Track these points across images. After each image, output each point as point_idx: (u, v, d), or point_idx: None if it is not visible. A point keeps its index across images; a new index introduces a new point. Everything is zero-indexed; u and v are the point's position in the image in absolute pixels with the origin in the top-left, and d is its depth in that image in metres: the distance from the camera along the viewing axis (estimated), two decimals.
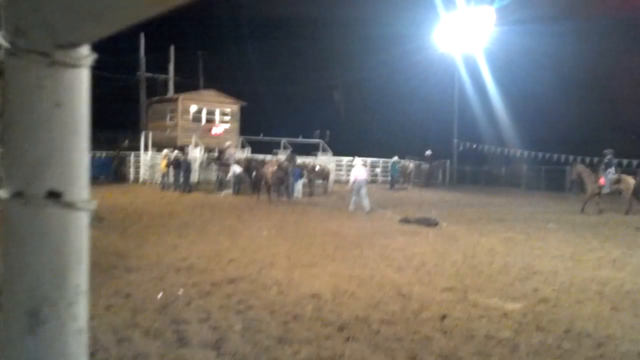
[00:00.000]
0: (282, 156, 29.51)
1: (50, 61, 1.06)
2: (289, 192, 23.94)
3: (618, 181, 21.10)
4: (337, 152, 38.53)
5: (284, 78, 50.46)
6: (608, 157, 21.56)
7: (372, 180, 38.81)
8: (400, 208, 21.32)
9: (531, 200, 27.69)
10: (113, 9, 1.00)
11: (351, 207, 19.59)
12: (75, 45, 1.08)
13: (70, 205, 1.07)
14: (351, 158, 34.56)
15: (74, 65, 1.09)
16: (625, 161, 29.60)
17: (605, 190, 21.04)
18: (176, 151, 29.03)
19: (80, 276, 1.11)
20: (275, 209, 20.35)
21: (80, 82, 1.10)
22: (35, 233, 1.07)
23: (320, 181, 28.71)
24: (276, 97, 48.42)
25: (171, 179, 28.08)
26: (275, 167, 22.85)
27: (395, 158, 36.26)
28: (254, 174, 27.54)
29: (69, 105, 1.09)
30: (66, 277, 1.09)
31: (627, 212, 20.41)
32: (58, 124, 1.08)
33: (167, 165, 28.17)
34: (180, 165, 27.25)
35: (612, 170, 21.27)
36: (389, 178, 36.30)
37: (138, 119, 39.65)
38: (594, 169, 22.64)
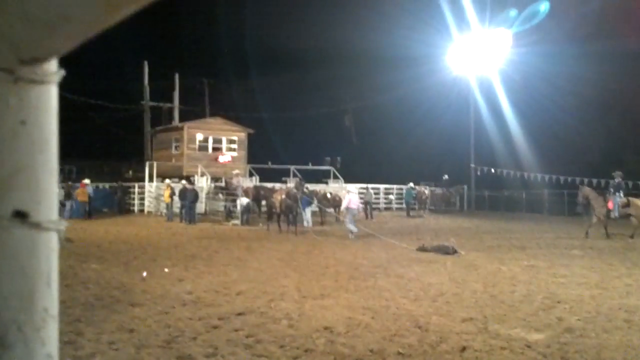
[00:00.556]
0: (291, 184, 29.58)
1: (15, 78, 1.05)
2: (303, 219, 24.08)
3: (627, 204, 20.69)
4: (349, 179, 38.46)
5: (292, 104, 50.66)
6: (617, 179, 21.16)
7: (387, 208, 38.79)
8: (416, 236, 21.26)
9: (554, 226, 27.40)
10: (72, 20, 0.99)
11: (351, 235, 20.44)
12: (39, 60, 1.07)
13: (38, 226, 1.06)
14: (364, 185, 34.56)
15: (41, 82, 1.07)
16: None
17: (614, 215, 20.64)
18: (183, 181, 29.20)
19: (49, 299, 1.08)
20: (285, 238, 20.32)
21: (47, 99, 1.09)
22: (1, 254, 1.05)
23: (331, 209, 28.72)
24: (284, 123, 48.55)
25: (176, 209, 28.19)
26: (284, 196, 22.93)
27: (410, 184, 36.21)
28: (263, 202, 27.62)
29: (35, 123, 1.07)
30: (34, 301, 1.07)
31: (632, 236, 20.12)
32: (24, 143, 1.07)
33: (170, 196, 28.35)
34: (186, 196, 27.41)
35: (620, 193, 20.88)
36: (404, 205, 36.22)
37: (142, 148, 39.95)
38: (604, 191, 22.38)
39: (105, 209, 32.77)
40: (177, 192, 28.35)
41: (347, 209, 21.29)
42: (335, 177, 38.50)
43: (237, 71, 58.98)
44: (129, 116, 40.55)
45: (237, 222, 26.12)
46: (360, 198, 35.85)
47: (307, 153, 40.37)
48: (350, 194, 21.88)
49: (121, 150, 41.10)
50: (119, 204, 33.30)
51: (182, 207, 27.73)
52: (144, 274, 10.44)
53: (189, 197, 27.27)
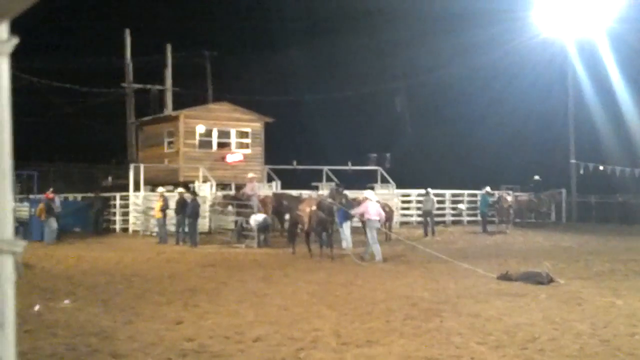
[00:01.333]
0: (324, 192, 29.61)
1: None
2: (340, 239, 24.08)
3: None
4: (401, 184, 38.35)
5: (324, 83, 50.78)
6: None
7: (456, 221, 38.59)
8: (496, 259, 21.10)
9: None
10: None
11: (363, 261, 20.85)
12: None
13: None
14: (423, 191, 34.35)
15: None
16: None
17: None
18: (180, 189, 29.35)
19: (3, 349, 1.07)
20: (317, 264, 20.36)
21: None
22: None
23: (378, 224, 28.55)
24: (314, 109, 48.75)
25: (171, 227, 28.46)
26: (315, 207, 22.89)
27: (487, 189, 35.82)
28: (286, 217, 27.59)
29: None
30: None
31: None
32: None
33: (164, 209, 28.54)
34: (184, 209, 27.60)
35: None
36: (479, 217, 35.95)
37: (125, 146, 40.38)
38: None
39: (78, 228, 33.09)
40: (171, 204, 28.56)
41: (368, 220, 21.85)
42: (384, 181, 38.40)
43: (250, 40, 59.37)
44: (106, 103, 41.30)
45: (253, 243, 26.26)
46: (418, 208, 35.94)
47: (345, 149, 40.56)
48: (368, 201, 22.38)
49: (97, 149, 41.54)
50: (95, 222, 33.46)
51: (178, 224, 27.95)
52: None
53: (188, 210, 27.38)
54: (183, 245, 26.93)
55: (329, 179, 36.48)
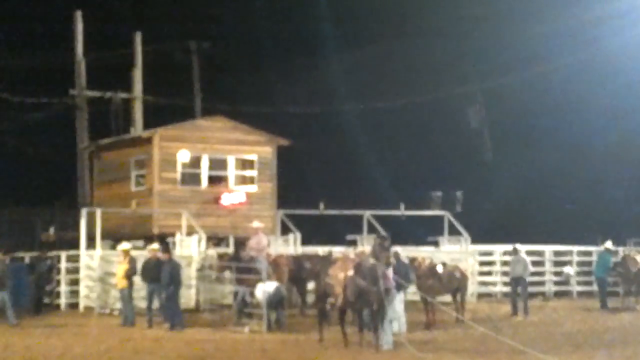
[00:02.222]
0: (365, 248, 29.09)
1: None
2: (387, 319, 23.43)
3: None
4: (479, 236, 37.92)
5: (363, 89, 50.62)
6: None
7: (561, 292, 38.51)
8: (623, 351, 20.66)
9: None
10: None
11: (384, 343, 21.26)
12: None
13: None
14: (510, 247, 33.84)
15: None
16: None
17: None
18: (154, 245, 29.08)
19: None
20: (357, 357, 20.11)
21: None
22: None
23: (447, 295, 28.49)
24: (351, 126, 48.55)
25: (139, 302, 28.20)
26: (352, 271, 22.29)
27: (608, 245, 35.46)
28: (309, 286, 27.05)
29: None
30: None
31: None
32: None
33: (130, 275, 28.02)
34: (159, 275, 27.21)
35: None
36: (596, 286, 35.32)
37: (74, 182, 40.25)
38: None
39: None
40: (140, 267, 28.23)
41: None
42: (454, 232, 38.04)
43: (255, 27, 59.11)
44: (47, 119, 41.13)
45: (260, 325, 25.96)
46: (504, 273, 35.34)
47: (396, 186, 39.94)
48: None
49: (33, 186, 41.35)
50: (36, 294, 32.99)
51: (150, 296, 27.54)
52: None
53: (165, 276, 27.10)
54: (160, 328, 26.51)
55: (371, 230, 36.12)
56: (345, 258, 25.27)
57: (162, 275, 27.05)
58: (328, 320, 23.29)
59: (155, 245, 29.05)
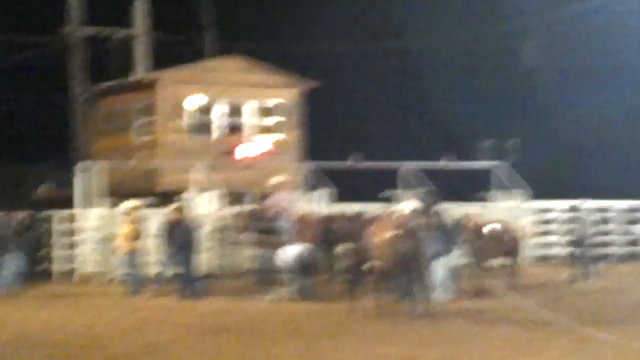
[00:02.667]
0: (408, 204, 29.12)
1: None
2: (429, 284, 23.59)
3: None
4: (537, 191, 38.63)
5: (402, 23, 50.69)
6: None
7: (631, 255, 38.81)
8: None
9: None
10: None
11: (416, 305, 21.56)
12: None
13: None
14: (571, 203, 34.05)
15: None
16: None
17: None
18: (176, 205, 29.64)
19: None
20: (395, 328, 20.40)
21: None
22: None
23: (497, 259, 29.06)
24: (387, 66, 48.56)
25: (147, 267, 29.06)
26: (396, 230, 22.65)
27: None
28: (339, 249, 27.59)
29: None
30: None
31: None
32: None
33: (135, 239, 28.56)
34: (173, 236, 27.77)
35: None
36: None
37: (68, 132, 40.94)
38: None
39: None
40: (150, 228, 29.19)
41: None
42: (506, 186, 38.28)
43: None
44: (39, 61, 41.58)
45: (285, 292, 26.52)
46: (566, 233, 35.27)
47: (438, 133, 40.14)
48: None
49: (24, 137, 41.64)
50: (28, 259, 32.35)
51: (167, 260, 28.25)
52: None
53: (179, 239, 27.61)
54: (175, 296, 26.96)
55: (409, 185, 36.35)
56: (385, 217, 25.00)
57: (176, 236, 27.37)
58: (361, 288, 23.71)
59: (174, 206, 29.26)
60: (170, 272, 28.42)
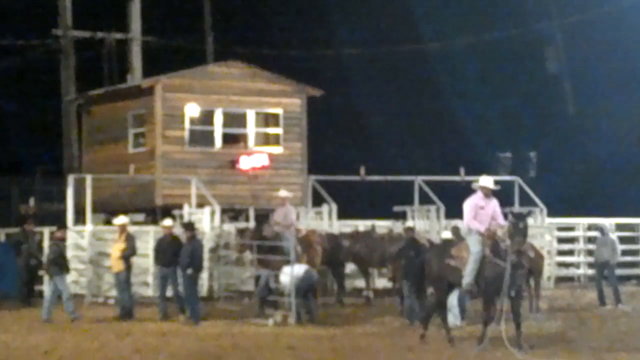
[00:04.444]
0: (414, 222, 28.81)
1: None
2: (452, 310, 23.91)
3: None
4: (558, 208, 37.94)
5: (415, 26, 50.66)
6: None
7: None
8: None
9: None
10: None
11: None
12: None
13: None
14: (594, 220, 33.79)
15: None
16: None
17: None
18: (166, 221, 29.09)
19: None
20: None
21: None
22: None
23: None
24: (397, 72, 48.52)
25: (139, 288, 28.67)
26: (487, 251, 22.00)
27: None
28: (348, 268, 27.09)
29: None
30: None
31: None
32: None
33: (127, 258, 27.95)
34: (174, 257, 27.21)
35: None
36: None
37: (58, 142, 40.59)
38: None
39: None
40: (145, 246, 28.83)
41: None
42: (525, 202, 37.98)
43: None
44: (30, 63, 41.35)
45: (287, 315, 26.17)
46: (590, 253, 35.12)
47: (454, 145, 39.92)
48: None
49: (10, 148, 41.63)
50: (21, 280, 33.06)
51: (164, 282, 27.79)
52: None
53: (183, 258, 27.10)
54: (177, 320, 26.69)
55: (425, 199, 36.27)
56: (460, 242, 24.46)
57: (180, 255, 26.84)
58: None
59: (169, 221, 28.93)
60: (166, 292, 27.76)
